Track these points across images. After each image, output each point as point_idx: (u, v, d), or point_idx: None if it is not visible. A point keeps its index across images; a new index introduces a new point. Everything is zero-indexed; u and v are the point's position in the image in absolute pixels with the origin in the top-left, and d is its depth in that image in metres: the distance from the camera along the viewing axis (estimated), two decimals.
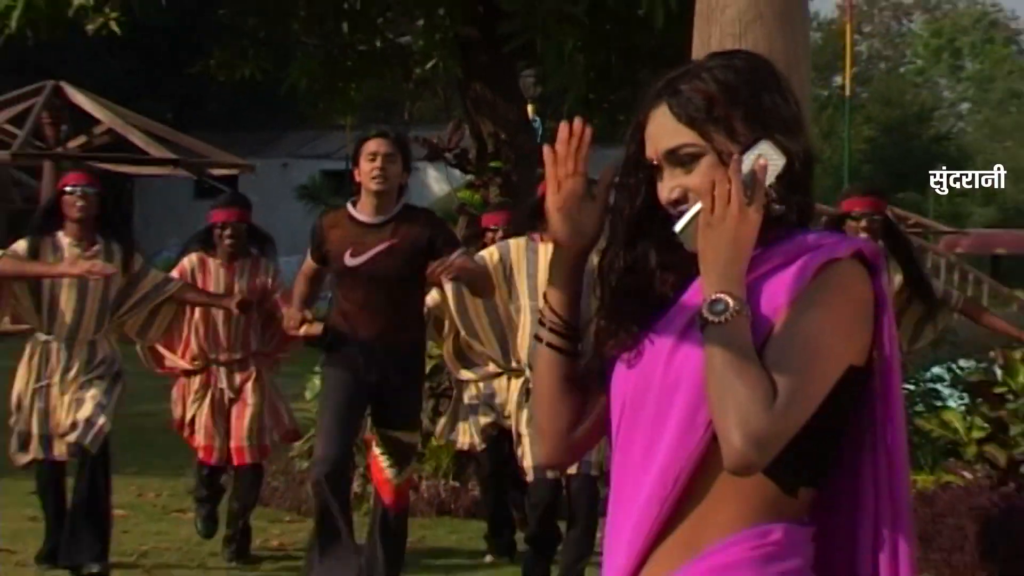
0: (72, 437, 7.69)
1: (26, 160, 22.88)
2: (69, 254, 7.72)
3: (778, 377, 2.31)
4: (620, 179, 2.56)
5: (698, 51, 5.07)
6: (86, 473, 7.71)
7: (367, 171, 6.99)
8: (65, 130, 23.23)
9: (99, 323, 7.83)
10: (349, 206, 7.11)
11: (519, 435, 7.46)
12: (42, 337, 7.83)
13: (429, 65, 14.18)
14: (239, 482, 8.68)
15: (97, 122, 23.36)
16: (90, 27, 12.82)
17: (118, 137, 23.54)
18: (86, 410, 7.68)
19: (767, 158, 2.43)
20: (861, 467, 2.46)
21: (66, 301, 7.77)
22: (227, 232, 8.34)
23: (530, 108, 15.79)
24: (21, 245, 7.79)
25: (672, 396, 2.42)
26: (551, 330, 2.59)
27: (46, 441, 7.79)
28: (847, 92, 47.52)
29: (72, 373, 7.78)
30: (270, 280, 8.43)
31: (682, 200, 2.45)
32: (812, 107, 5.47)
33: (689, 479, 2.39)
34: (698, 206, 2.40)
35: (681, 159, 2.46)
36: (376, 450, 7.04)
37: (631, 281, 2.52)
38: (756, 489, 2.39)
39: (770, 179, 2.43)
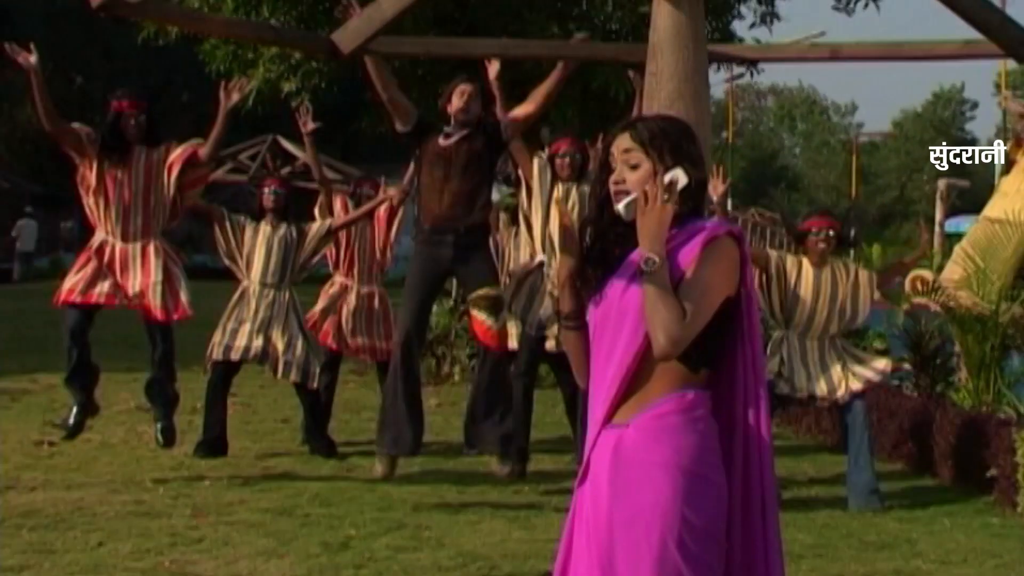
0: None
1: (256, 181, 23.07)
2: (263, 231, 7.00)
3: (686, 304, 2.30)
4: (595, 176, 2.53)
5: None
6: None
7: (457, 105, 5.72)
8: (278, 163, 23.34)
9: (282, 274, 6.97)
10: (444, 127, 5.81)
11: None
12: (244, 283, 6.98)
13: None
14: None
15: (296, 158, 23.47)
16: (293, 103, 12.88)
17: (308, 167, 23.62)
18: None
19: (678, 178, 2.39)
20: (736, 356, 2.42)
21: (257, 258, 6.98)
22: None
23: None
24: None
25: (623, 318, 2.38)
26: (567, 326, 2.53)
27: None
28: (730, 140, 47.21)
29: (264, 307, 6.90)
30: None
31: (622, 184, 2.42)
32: (710, 149, 5.48)
33: (635, 366, 2.36)
34: (634, 194, 2.38)
35: (629, 161, 2.43)
36: (473, 312, 5.72)
37: (597, 251, 2.48)
38: (675, 369, 2.36)
39: (678, 189, 2.39)
